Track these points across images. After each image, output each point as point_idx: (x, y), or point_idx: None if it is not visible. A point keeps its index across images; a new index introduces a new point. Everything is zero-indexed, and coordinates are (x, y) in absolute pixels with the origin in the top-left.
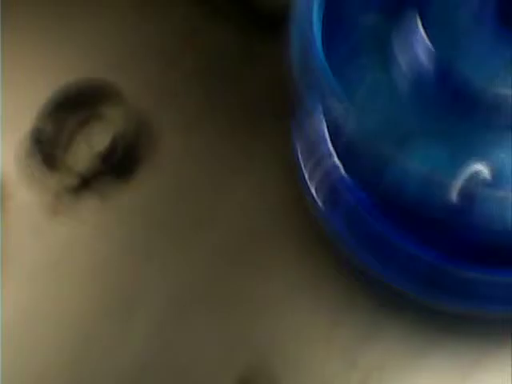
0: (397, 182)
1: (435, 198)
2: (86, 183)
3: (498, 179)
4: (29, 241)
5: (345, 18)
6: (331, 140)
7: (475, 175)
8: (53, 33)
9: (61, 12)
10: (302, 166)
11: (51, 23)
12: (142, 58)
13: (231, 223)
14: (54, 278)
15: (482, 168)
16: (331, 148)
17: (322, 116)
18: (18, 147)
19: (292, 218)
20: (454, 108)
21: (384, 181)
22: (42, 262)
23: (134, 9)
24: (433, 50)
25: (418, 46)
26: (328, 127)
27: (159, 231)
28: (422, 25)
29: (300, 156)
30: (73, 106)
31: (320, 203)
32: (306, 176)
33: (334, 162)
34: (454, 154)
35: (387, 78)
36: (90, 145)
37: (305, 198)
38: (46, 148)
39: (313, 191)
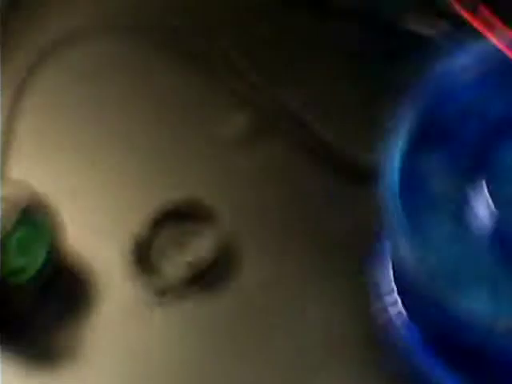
0: (460, 326)
1: (498, 341)
2: (174, 290)
3: None
4: (120, 334)
5: (422, 177)
6: (396, 282)
7: None
8: (163, 153)
9: (171, 134)
10: (371, 302)
11: (161, 144)
12: (238, 184)
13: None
14: (143, 369)
15: None
16: (397, 295)
17: (391, 261)
18: (121, 247)
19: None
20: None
21: (445, 322)
22: (133, 355)
23: (231, 147)
24: (495, 211)
25: (482, 205)
26: (396, 272)
27: (233, 344)
28: (488, 189)
29: (371, 294)
30: (172, 220)
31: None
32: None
33: (398, 309)
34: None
35: (454, 229)
36: (182, 255)
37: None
38: (144, 252)
39: (379, 326)
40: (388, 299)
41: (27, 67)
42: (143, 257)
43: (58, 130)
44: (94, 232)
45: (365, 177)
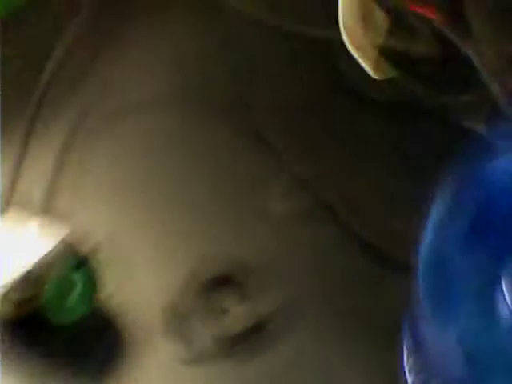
0: None
1: None
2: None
3: None
4: None
5: (454, 266)
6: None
7: None
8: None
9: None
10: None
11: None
12: (284, 255)
13: None
14: None
15: None
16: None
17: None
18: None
19: None
20: None
21: None
22: None
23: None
24: None
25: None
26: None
27: None
28: None
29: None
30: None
31: None
32: None
33: None
34: None
35: (485, 319)
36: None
37: None
38: (184, 314)
39: None
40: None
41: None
42: (182, 318)
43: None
44: (135, 283)
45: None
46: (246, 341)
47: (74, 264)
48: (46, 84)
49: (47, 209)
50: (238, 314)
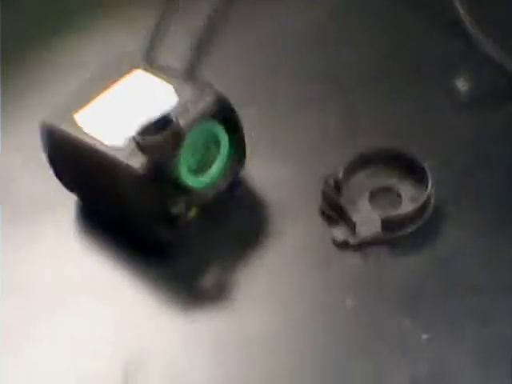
0: None
1: None
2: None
3: None
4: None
5: None
6: None
7: None
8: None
9: None
10: None
11: None
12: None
13: None
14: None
15: None
16: None
17: None
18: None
19: None
20: None
21: None
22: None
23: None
24: None
25: None
26: None
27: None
28: None
29: None
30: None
31: None
32: None
33: None
34: None
35: None
36: (374, 208)
37: None
38: (334, 198)
39: None
40: None
41: None
42: (332, 202)
43: None
44: (280, 163)
45: None
46: (415, 224)
47: (218, 125)
48: None
49: (190, 68)
50: (407, 194)
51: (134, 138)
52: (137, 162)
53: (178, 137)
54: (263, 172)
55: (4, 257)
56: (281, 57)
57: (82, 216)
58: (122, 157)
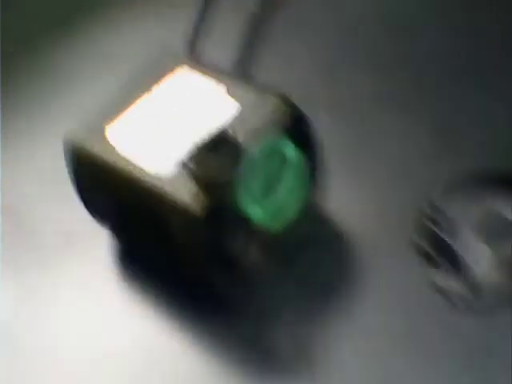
0: None
1: None
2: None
3: None
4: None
5: None
6: None
7: None
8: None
9: None
10: None
11: None
12: None
13: None
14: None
15: None
16: None
17: None
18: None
19: None
20: None
21: None
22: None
23: None
24: None
25: None
26: None
27: None
28: None
29: None
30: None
31: None
32: None
33: None
34: None
35: None
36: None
37: None
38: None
39: None
40: None
41: None
42: (430, 234)
43: None
44: (362, 186)
45: None
46: None
47: (287, 141)
48: None
49: (241, 67)
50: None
51: (184, 164)
52: (189, 195)
53: (237, 158)
54: (341, 197)
55: (23, 315)
56: (348, 50)
57: (119, 257)
58: (169, 188)
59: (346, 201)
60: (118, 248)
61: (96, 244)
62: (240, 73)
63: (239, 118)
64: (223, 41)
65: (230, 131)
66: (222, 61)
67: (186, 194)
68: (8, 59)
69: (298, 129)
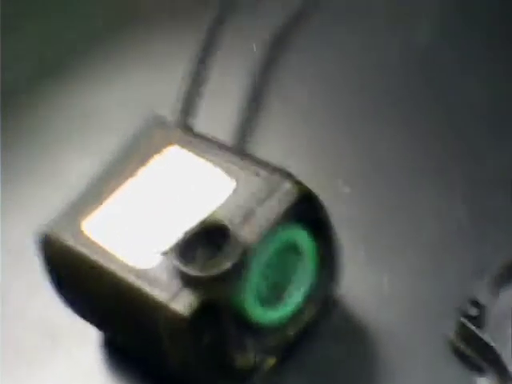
0: None
1: None
2: None
3: None
4: None
5: None
6: None
7: None
8: None
9: None
10: None
11: None
12: None
13: None
14: None
15: None
16: None
17: None
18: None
19: None
20: None
21: None
22: None
23: None
24: None
25: None
26: None
27: None
28: None
29: None
30: None
31: None
32: None
33: None
34: None
35: None
36: None
37: None
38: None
39: None
40: None
41: None
42: (472, 338)
43: None
44: (389, 273)
45: None
46: None
47: (300, 231)
48: None
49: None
50: None
51: (175, 265)
52: (182, 302)
53: (241, 256)
54: (364, 287)
55: None
56: (373, 104)
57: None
58: (161, 295)
59: (369, 292)
60: (105, 347)
61: (81, 342)
62: (238, 143)
63: (244, 209)
64: (219, 107)
65: (232, 226)
66: (218, 130)
67: (178, 301)
68: None
69: (313, 218)
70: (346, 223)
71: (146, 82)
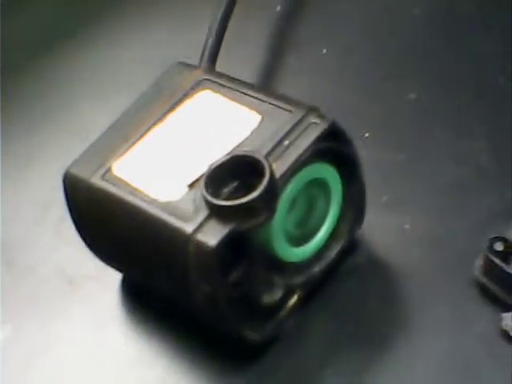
0: None
1: None
2: None
3: None
4: None
5: None
6: None
7: None
8: None
9: None
10: None
11: None
12: None
13: None
14: None
15: None
16: None
17: None
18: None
19: None
20: None
21: None
22: None
23: None
24: None
25: None
26: None
27: None
28: None
29: None
30: None
31: None
32: None
33: None
34: None
35: None
36: None
37: None
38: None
39: None
40: None
41: None
42: (497, 273)
43: None
44: (412, 215)
45: None
46: None
47: (329, 168)
48: None
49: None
50: None
51: (204, 197)
52: (211, 235)
53: (271, 191)
54: (389, 228)
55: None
56: (398, 61)
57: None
58: (187, 227)
59: (394, 232)
60: (126, 290)
61: (102, 287)
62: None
63: (264, 135)
64: (244, 51)
65: (263, 159)
66: (244, 73)
67: (206, 233)
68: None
69: (342, 155)
70: (369, 167)
71: (166, 40)
